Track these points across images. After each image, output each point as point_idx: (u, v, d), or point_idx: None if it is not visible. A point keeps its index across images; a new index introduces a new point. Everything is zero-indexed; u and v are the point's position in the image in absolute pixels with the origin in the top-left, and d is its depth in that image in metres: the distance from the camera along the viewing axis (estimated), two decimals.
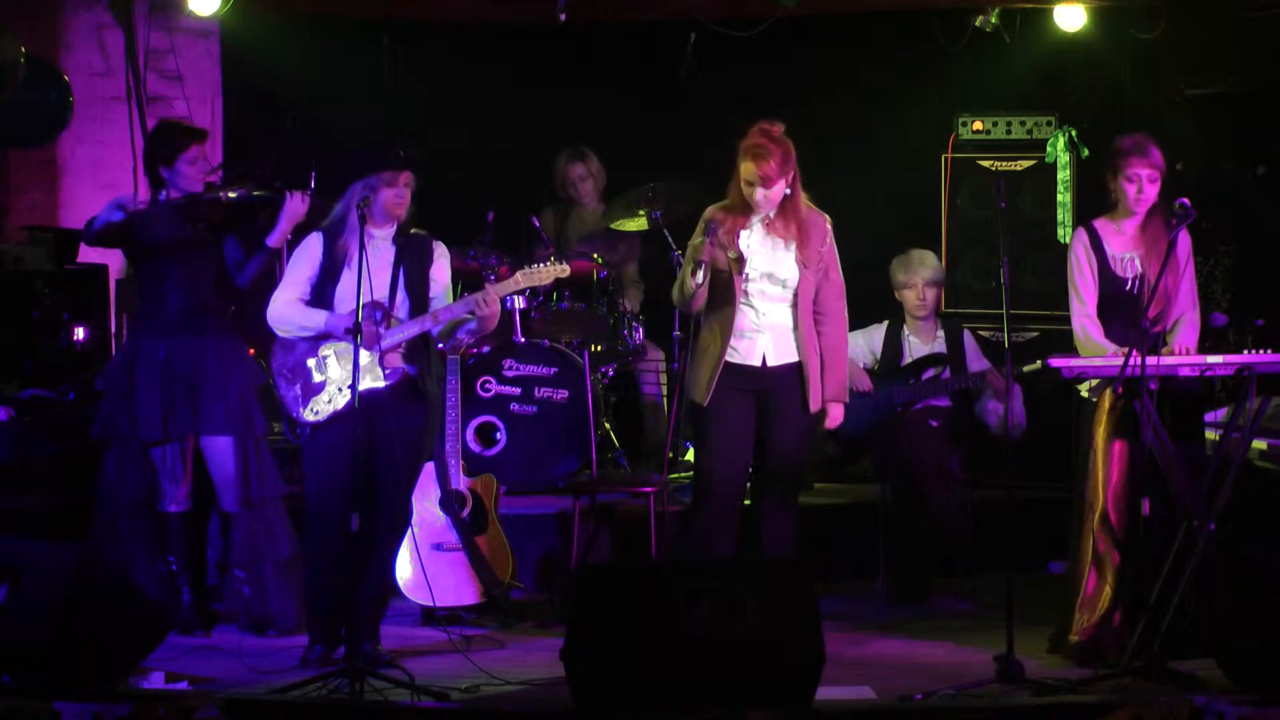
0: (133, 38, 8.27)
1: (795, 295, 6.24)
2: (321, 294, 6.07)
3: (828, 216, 6.30)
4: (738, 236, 6.20)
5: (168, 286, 6.51)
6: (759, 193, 6.15)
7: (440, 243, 6.24)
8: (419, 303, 6.09)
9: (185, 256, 6.48)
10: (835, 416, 6.36)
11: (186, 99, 8.45)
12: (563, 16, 7.93)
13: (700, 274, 6.07)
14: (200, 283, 6.51)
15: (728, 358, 6.20)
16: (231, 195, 6.49)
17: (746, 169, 6.14)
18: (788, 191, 6.19)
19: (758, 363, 6.23)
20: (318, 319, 6.03)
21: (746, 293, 6.21)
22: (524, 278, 6.20)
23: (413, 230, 6.18)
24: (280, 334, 6.11)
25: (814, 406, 6.27)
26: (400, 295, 6.06)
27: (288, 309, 6.07)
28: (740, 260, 6.18)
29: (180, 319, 6.48)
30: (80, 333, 7.54)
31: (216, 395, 6.46)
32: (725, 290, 6.20)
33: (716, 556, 6.18)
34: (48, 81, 7.82)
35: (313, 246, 6.11)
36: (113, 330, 7.73)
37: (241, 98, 8.55)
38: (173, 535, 6.60)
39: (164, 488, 6.57)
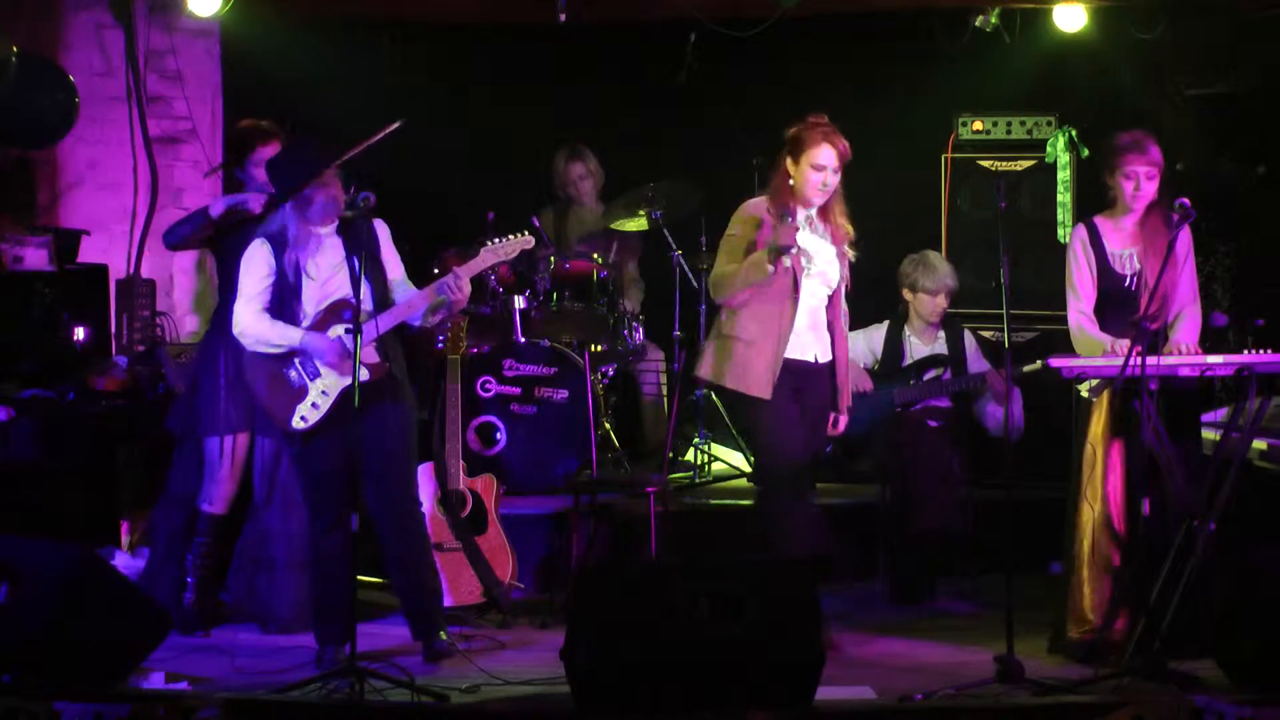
0: (133, 38, 8.27)
1: (830, 296, 6.33)
2: (282, 303, 6.02)
3: None
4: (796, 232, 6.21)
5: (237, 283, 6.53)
6: (829, 177, 6.18)
7: (380, 220, 6.17)
8: (380, 290, 6.07)
9: None
10: (844, 423, 6.44)
11: (186, 99, 8.45)
12: (563, 16, 7.93)
13: (787, 260, 6.05)
14: None
15: (788, 353, 6.22)
16: None
17: (820, 151, 6.17)
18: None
19: (810, 359, 6.28)
20: (292, 336, 5.99)
21: (799, 288, 6.22)
22: (489, 254, 6.17)
23: (349, 214, 6.09)
24: (247, 347, 6.06)
25: (843, 405, 6.34)
26: (364, 288, 5.99)
27: (259, 323, 6.01)
28: (798, 255, 6.17)
29: None
30: (80, 333, 7.54)
31: None
32: (778, 285, 6.19)
33: (799, 549, 6.17)
34: (54, 82, 7.82)
35: (264, 255, 6.02)
36: (113, 330, 7.73)
37: (241, 98, 8.55)
38: (198, 534, 6.62)
39: (204, 486, 6.60)
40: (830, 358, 6.35)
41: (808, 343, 6.29)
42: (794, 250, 6.07)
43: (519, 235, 6.23)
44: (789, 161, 6.26)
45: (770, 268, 6.05)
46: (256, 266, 6.03)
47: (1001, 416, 7.31)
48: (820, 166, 6.18)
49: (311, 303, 6.01)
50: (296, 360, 6.03)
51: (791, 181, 6.25)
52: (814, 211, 6.29)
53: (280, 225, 6.04)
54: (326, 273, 6.02)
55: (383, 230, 6.18)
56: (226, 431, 6.54)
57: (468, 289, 6.09)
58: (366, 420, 5.97)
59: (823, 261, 6.28)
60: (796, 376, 6.27)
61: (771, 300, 6.21)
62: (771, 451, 6.31)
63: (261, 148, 6.58)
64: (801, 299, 6.24)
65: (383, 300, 6.06)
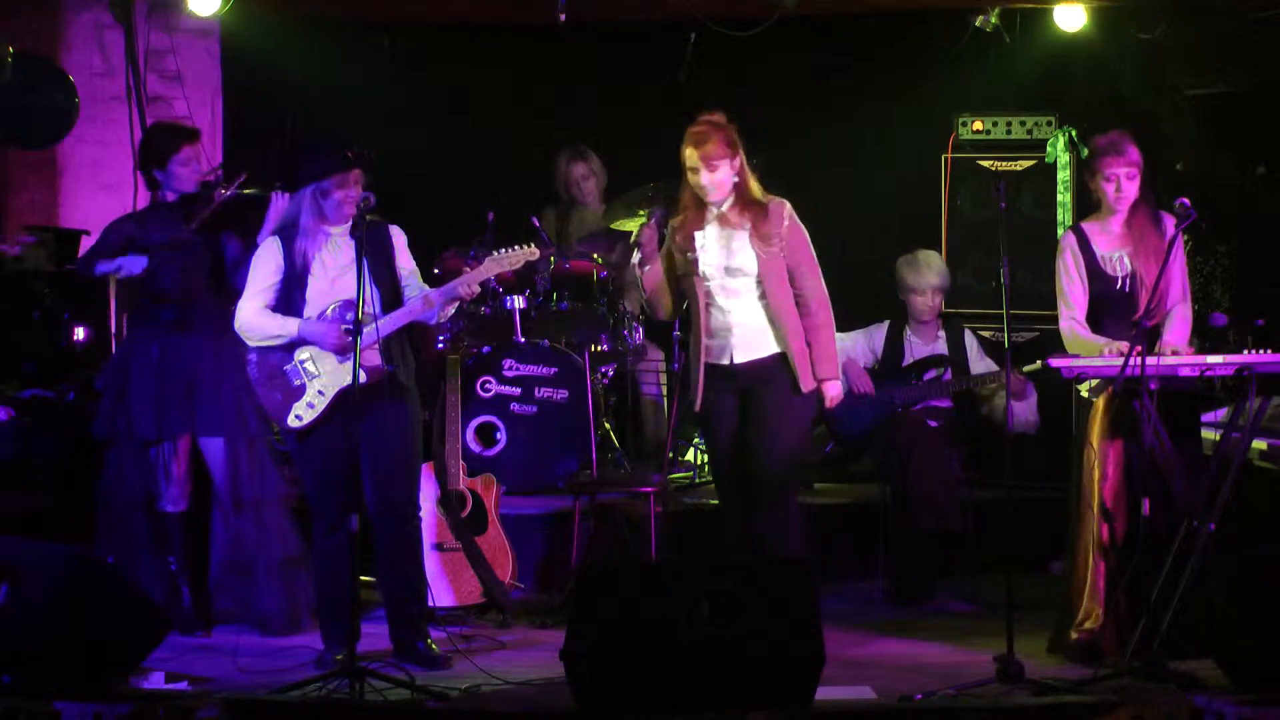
0: (133, 38, 8.27)
1: (760, 284, 6.18)
2: (288, 299, 6.03)
3: (785, 201, 6.24)
4: (692, 238, 6.21)
5: (163, 286, 6.51)
6: (704, 176, 6.15)
7: (396, 226, 6.20)
8: (388, 294, 6.06)
9: (179, 256, 6.48)
10: (833, 394, 6.26)
11: (186, 99, 8.45)
12: (563, 16, 7.93)
13: (635, 255, 6.17)
14: (195, 282, 6.50)
15: (706, 359, 6.22)
16: (224, 194, 6.49)
17: (689, 155, 6.17)
18: (736, 179, 6.17)
19: (727, 361, 6.22)
20: (290, 327, 5.99)
21: (709, 292, 6.22)
22: (492, 264, 6.15)
23: (367, 219, 6.07)
24: (250, 343, 6.06)
25: (806, 387, 6.17)
26: (371, 290, 5.99)
27: (258, 318, 6.02)
28: (693, 261, 6.19)
29: (175, 318, 6.49)
30: (80, 333, 7.55)
31: (210, 395, 6.47)
32: (692, 294, 6.23)
33: (725, 557, 6.18)
34: (54, 82, 7.83)
35: (273, 251, 6.06)
36: (113, 330, 7.74)
37: (241, 98, 8.55)
38: (171, 535, 6.59)
39: (160, 487, 6.57)
40: (774, 351, 6.17)
41: (723, 345, 6.20)
42: (640, 245, 6.20)
43: (526, 247, 6.21)
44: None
45: (636, 267, 6.22)
46: (265, 263, 6.06)
47: (1024, 414, 7.32)
48: (693, 169, 6.18)
49: (316, 298, 6.01)
50: (296, 359, 6.03)
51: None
52: (725, 207, 6.21)
53: (293, 215, 6.05)
54: (334, 272, 6.02)
55: (398, 237, 6.17)
56: (169, 435, 6.50)
57: (477, 290, 6.13)
58: (366, 423, 5.96)
59: (723, 256, 6.18)
60: (725, 380, 6.21)
61: (691, 310, 6.27)
62: (710, 461, 6.44)
63: (186, 147, 6.56)
64: (713, 300, 6.21)
65: (391, 305, 6.05)
